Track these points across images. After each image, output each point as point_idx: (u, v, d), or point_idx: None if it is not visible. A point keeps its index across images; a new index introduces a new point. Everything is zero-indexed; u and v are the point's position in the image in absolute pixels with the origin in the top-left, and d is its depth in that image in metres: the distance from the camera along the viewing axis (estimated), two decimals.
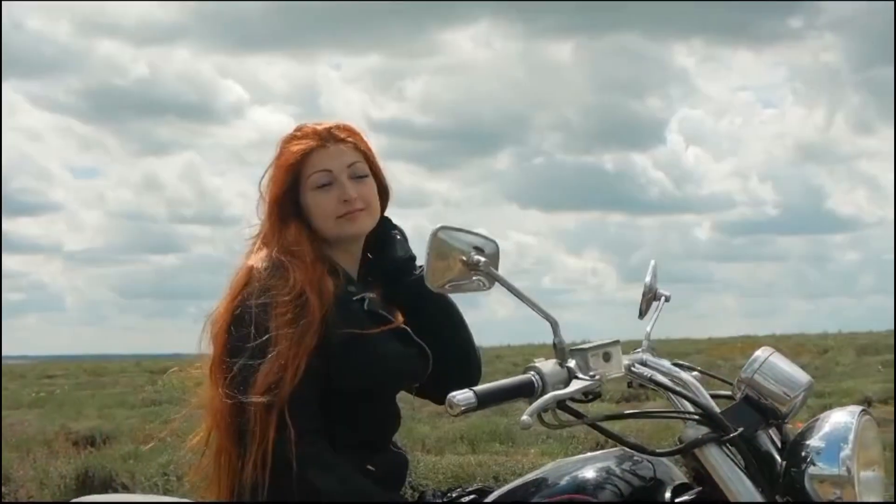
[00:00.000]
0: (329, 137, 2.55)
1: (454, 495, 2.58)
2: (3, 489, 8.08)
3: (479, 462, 7.58)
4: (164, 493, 6.87)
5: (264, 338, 2.35)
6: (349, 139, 2.57)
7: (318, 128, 2.57)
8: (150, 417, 12.62)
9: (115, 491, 7.23)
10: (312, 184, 2.52)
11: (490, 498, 2.48)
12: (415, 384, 2.65)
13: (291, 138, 2.57)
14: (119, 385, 22.17)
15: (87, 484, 7.74)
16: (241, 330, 2.39)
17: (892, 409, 11.68)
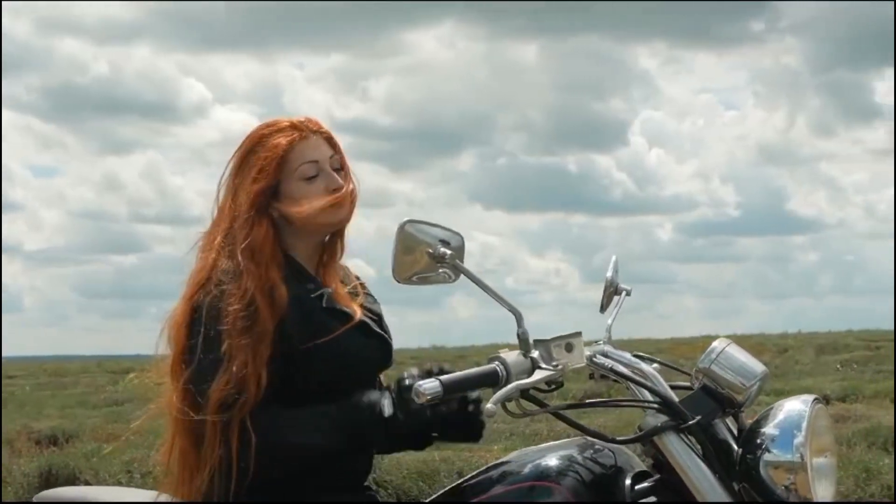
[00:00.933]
0: (308, 129, 2.56)
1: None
2: None
3: (442, 458, 7.60)
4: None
5: (217, 346, 2.34)
6: (323, 131, 2.58)
7: (295, 120, 2.56)
8: (112, 417, 12.59)
9: None
10: (301, 175, 2.51)
11: (453, 486, 2.54)
12: (380, 373, 2.69)
13: (272, 131, 2.55)
14: (80, 385, 21.99)
15: (51, 482, 7.69)
16: (196, 336, 2.37)
17: (849, 406, 11.83)
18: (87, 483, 7.53)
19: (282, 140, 2.52)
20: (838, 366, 19.32)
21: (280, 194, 2.52)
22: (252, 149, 2.55)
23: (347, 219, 2.59)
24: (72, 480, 7.78)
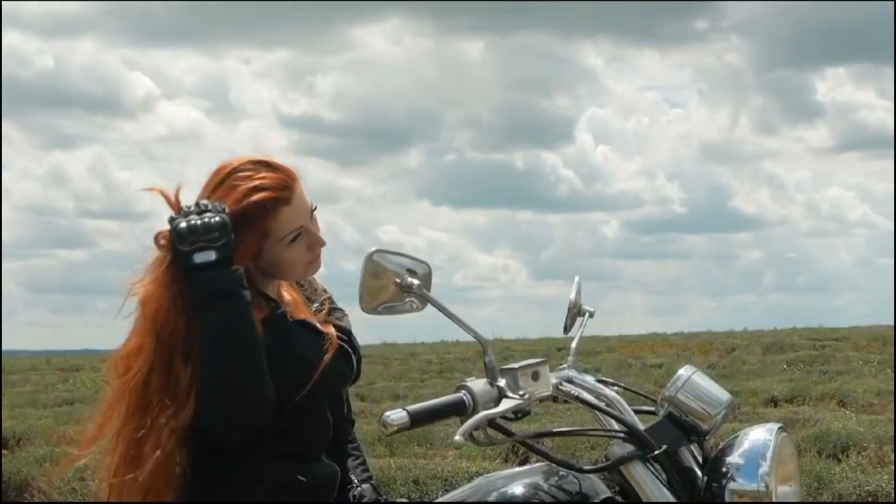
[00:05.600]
0: (292, 185, 2.45)
1: None
2: None
3: (399, 465, 7.59)
4: (82, 498, 6.80)
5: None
6: (295, 174, 2.47)
7: (277, 174, 2.44)
8: (63, 418, 12.42)
9: (32, 496, 7.13)
10: (286, 240, 2.42)
11: None
12: (349, 387, 2.68)
13: (256, 184, 2.41)
14: (29, 384, 21.75)
15: (3, 489, 7.61)
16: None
17: (798, 408, 11.94)
18: (40, 490, 7.42)
19: (268, 202, 2.41)
20: (785, 365, 19.49)
21: (261, 258, 2.44)
22: (230, 193, 2.41)
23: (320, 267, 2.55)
24: (24, 487, 7.68)
